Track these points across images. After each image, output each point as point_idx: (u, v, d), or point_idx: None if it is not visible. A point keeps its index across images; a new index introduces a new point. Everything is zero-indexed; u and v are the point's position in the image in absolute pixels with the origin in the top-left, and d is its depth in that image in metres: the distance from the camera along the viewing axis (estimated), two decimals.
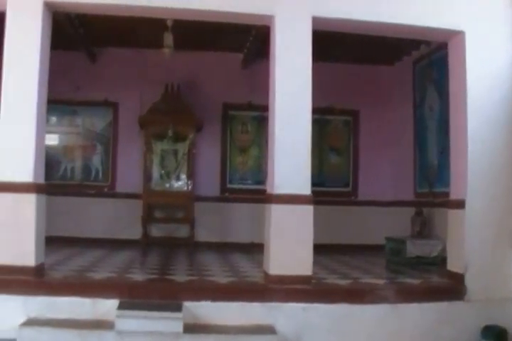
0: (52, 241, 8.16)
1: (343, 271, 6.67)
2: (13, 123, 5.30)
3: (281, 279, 5.32)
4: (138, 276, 5.77)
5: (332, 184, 10.13)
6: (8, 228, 5.18)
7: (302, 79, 5.63)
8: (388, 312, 5.28)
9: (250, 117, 10.12)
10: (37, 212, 5.29)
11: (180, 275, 5.91)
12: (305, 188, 5.50)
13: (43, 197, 5.54)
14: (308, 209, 5.47)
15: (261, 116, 9.62)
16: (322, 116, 9.77)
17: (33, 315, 4.94)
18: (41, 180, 5.55)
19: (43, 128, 5.60)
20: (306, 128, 5.59)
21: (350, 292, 5.46)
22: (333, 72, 9.58)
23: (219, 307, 5.09)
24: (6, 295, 4.97)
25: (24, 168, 5.26)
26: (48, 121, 9.38)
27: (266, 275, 5.55)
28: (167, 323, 4.75)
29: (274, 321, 5.07)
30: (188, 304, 5.04)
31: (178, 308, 4.92)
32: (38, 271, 5.32)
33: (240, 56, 9.62)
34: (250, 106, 9.89)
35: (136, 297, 5.12)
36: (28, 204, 5.24)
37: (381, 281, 6.00)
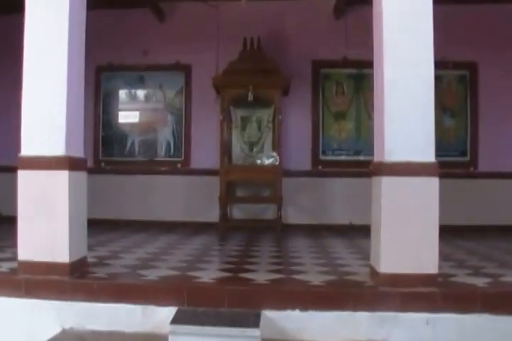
0: (117, 227, 7.44)
1: (472, 264, 5.18)
2: (37, 86, 4.26)
3: (397, 279, 3.97)
4: (204, 274, 4.44)
5: (446, 153, 8.49)
6: (35, 214, 4.14)
7: (418, 19, 4.27)
8: None
9: (346, 75, 8.82)
10: (71, 193, 4.17)
11: (261, 273, 4.57)
12: (428, 153, 4.04)
13: (82, 175, 4.47)
14: (433, 183, 4.02)
15: (359, 74, 8.57)
16: None
17: (68, 325, 3.97)
18: (79, 154, 4.44)
19: (78, 92, 4.50)
20: (428, 73, 4.12)
21: (492, 297, 3.95)
22: (442, 15, 7.89)
23: (311, 318, 3.87)
24: (37, 300, 4.03)
25: (54, 139, 4.21)
26: (107, 90, 8.83)
27: (375, 273, 4.18)
28: None
29: (387, 337, 3.83)
30: (268, 314, 3.86)
31: (254, 321, 3.70)
32: (75, 268, 4.24)
33: (332, 2, 8.35)
34: (346, 63, 8.67)
35: (198, 304, 3.92)
36: (59, 184, 4.17)
37: None
